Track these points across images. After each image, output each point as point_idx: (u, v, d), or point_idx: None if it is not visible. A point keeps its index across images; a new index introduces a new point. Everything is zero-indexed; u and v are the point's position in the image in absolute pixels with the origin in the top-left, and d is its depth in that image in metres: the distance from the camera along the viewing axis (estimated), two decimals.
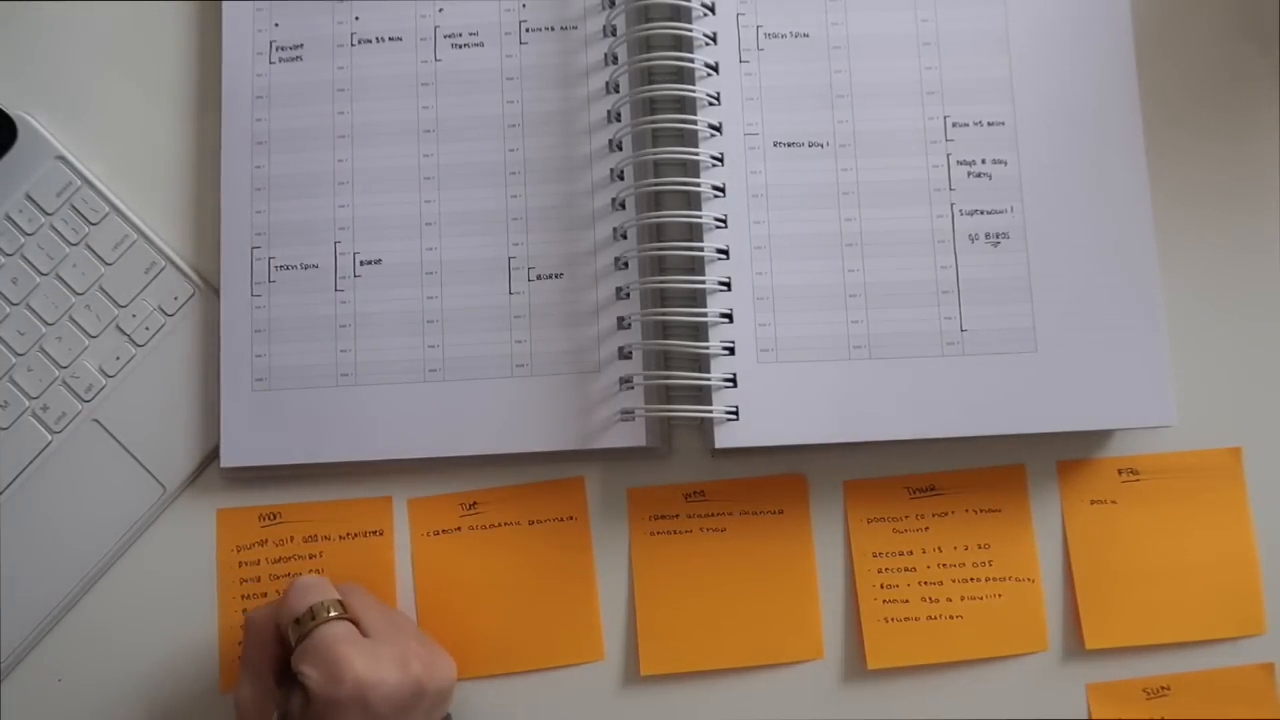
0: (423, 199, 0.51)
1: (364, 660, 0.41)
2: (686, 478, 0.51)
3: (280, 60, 0.52)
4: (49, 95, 0.53)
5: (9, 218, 0.51)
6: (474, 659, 0.50)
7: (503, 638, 0.50)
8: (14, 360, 0.51)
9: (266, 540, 0.51)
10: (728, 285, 0.49)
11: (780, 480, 0.51)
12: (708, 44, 0.51)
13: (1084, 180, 0.50)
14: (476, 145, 0.51)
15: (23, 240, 0.51)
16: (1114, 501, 0.51)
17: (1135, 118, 0.51)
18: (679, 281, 0.49)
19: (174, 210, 0.53)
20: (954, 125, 0.51)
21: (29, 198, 0.52)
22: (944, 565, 0.50)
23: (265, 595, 0.50)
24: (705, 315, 0.49)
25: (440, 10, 0.52)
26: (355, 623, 0.43)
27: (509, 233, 0.51)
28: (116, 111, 0.54)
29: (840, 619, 0.50)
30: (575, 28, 0.52)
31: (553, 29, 0.52)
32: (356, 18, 0.52)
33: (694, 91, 0.50)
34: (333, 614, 0.43)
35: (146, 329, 0.51)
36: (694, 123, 0.49)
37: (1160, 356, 0.49)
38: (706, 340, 0.49)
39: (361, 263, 0.51)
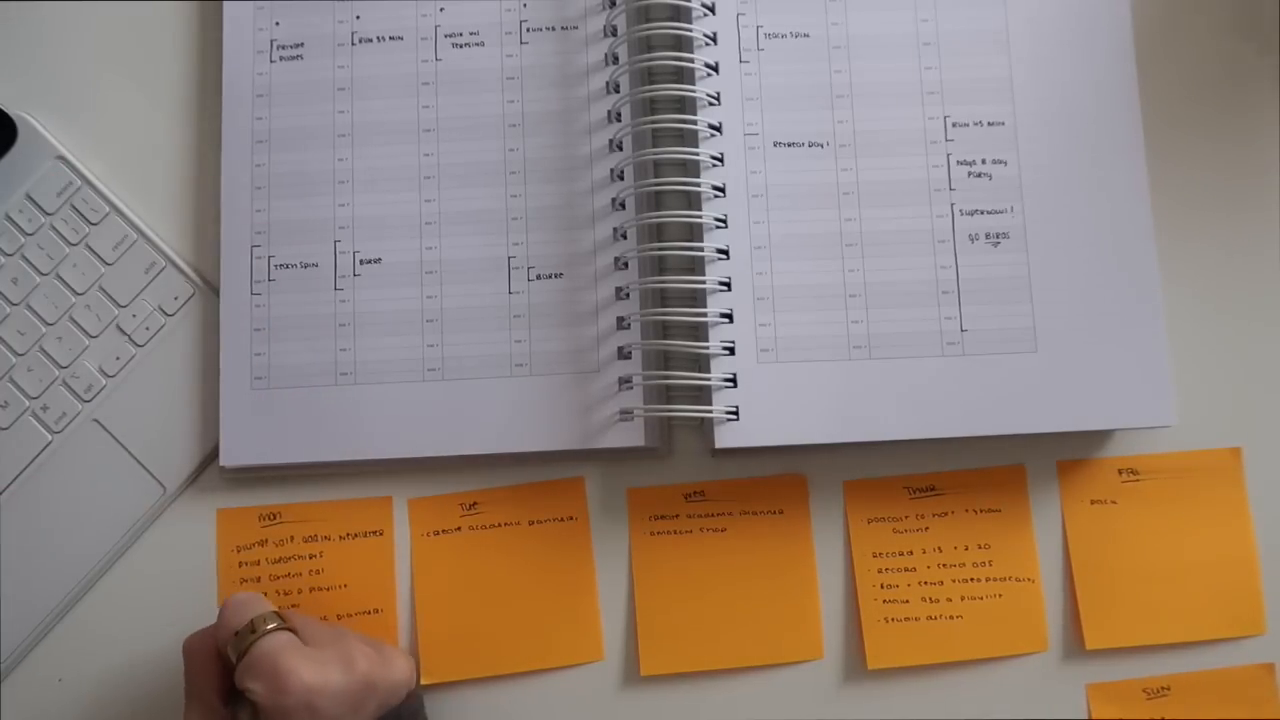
0: (423, 198, 0.51)
1: (309, 666, 0.40)
2: (686, 478, 0.51)
3: (281, 59, 0.52)
4: (49, 95, 0.53)
5: (9, 218, 0.51)
6: (474, 659, 0.50)
7: (503, 638, 0.50)
8: (14, 360, 0.51)
9: (266, 540, 0.50)
10: (728, 285, 0.49)
11: (780, 480, 0.51)
12: (708, 44, 0.51)
13: (1084, 180, 0.50)
14: (476, 145, 0.51)
15: (23, 240, 0.51)
16: (1114, 501, 0.51)
17: (1135, 118, 0.51)
18: (679, 281, 0.49)
19: (174, 210, 0.53)
20: (954, 125, 0.51)
21: (29, 198, 0.52)
22: (944, 565, 0.50)
23: (266, 595, 0.50)
24: (705, 315, 0.49)
25: (441, 10, 0.52)
26: (294, 632, 0.42)
27: (509, 232, 0.51)
28: (116, 111, 0.54)
29: (840, 619, 0.50)
30: (576, 28, 0.52)
31: (553, 29, 0.52)
32: (357, 17, 0.52)
33: (694, 91, 0.50)
34: (271, 625, 0.42)
35: (146, 329, 0.51)
36: (694, 123, 0.49)
37: (1160, 356, 0.49)
38: (706, 340, 0.49)
39: (361, 262, 0.51)
